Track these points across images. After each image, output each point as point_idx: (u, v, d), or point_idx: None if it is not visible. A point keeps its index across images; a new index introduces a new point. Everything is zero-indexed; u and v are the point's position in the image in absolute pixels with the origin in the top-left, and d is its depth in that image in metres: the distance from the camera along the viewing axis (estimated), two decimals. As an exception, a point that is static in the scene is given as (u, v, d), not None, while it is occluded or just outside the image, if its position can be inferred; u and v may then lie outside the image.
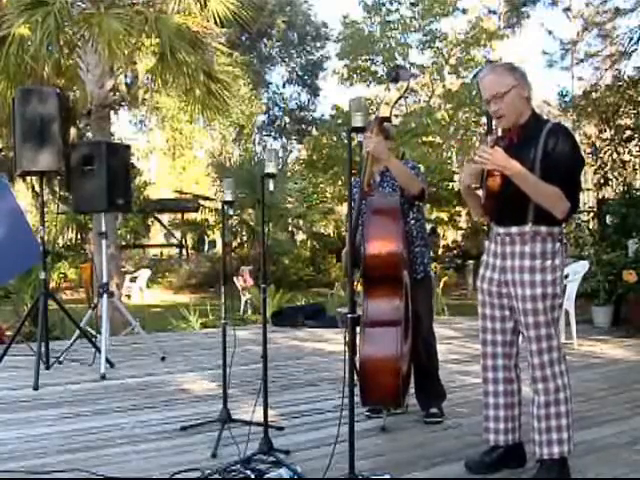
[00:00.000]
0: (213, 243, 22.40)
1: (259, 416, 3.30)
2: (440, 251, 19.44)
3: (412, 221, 3.77)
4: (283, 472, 2.88)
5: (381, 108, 3.29)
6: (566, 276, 6.70)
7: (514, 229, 2.80)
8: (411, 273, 3.66)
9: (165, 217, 24.10)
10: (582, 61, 13.16)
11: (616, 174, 9.96)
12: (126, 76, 10.05)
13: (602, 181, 10.09)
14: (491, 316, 2.94)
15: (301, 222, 17.79)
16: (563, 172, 2.68)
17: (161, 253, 23.72)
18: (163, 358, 5.84)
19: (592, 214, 10.41)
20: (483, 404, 3.04)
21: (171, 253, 23.59)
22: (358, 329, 3.42)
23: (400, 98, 3.28)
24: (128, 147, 6.27)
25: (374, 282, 3.43)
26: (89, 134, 11.71)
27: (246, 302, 10.57)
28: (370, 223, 3.51)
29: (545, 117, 2.92)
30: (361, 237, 3.52)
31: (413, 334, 3.61)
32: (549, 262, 2.76)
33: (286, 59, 26.22)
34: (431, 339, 3.84)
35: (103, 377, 5.04)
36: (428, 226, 16.11)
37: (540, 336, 2.78)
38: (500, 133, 2.92)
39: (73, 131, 12.24)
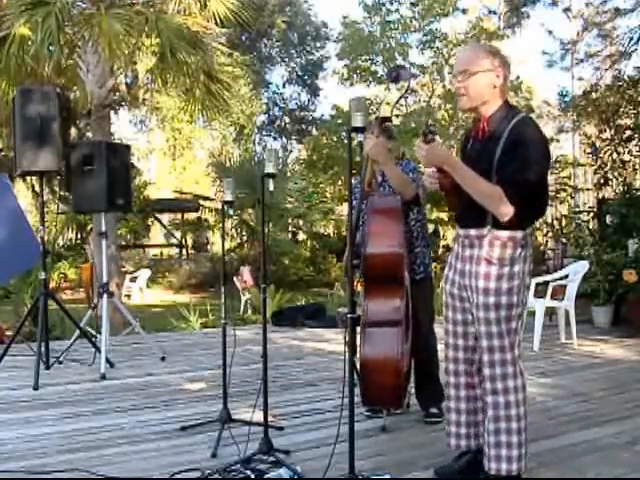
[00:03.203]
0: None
1: (259, 416, 3.30)
2: (440, 251, 19.43)
3: (412, 222, 3.77)
4: (283, 472, 2.88)
5: (382, 108, 3.28)
6: (566, 276, 6.71)
7: (472, 231, 2.68)
8: (411, 274, 3.67)
9: (165, 217, 24.10)
10: (582, 61, 13.14)
11: (616, 174, 9.96)
12: (126, 76, 10.04)
13: (602, 181, 10.08)
14: (453, 319, 2.85)
15: (301, 222, 17.79)
16: (513, 175, 2.52)
17: (161, 253, 23.72)
18: (163, 358, 5.84)
19: (592, 214, 10.40)
20: (445, 408, 2.99)
21: (171, 253, 23.60)
22: (358, 329, 3.44)
23: (401, 98, 3.27)
24: (128, 147, 6.27)
25: (374, 282, 3.43)
26: (89, 134, 11.72)
27: (246, 302, 10.56)
28: (371, 223, 3.50)
29: (516, 109, 2.69)
30: (362, 237, 3.52)
31: (413, 334, 3.61)
32: (506, 269, 2.60)
33: (286, 59, 26.23)
34: (431, 339, 3.84)
35: (103, 377, 5.04)
36: (431, 227, 16.02)
37: (492, 347, 2.66)
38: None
39: (73, 131, 12.25)
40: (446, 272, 2.89)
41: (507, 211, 2.53)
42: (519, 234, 2.62)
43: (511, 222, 2.57)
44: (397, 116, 16.87)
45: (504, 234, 2.60)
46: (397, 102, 3.23)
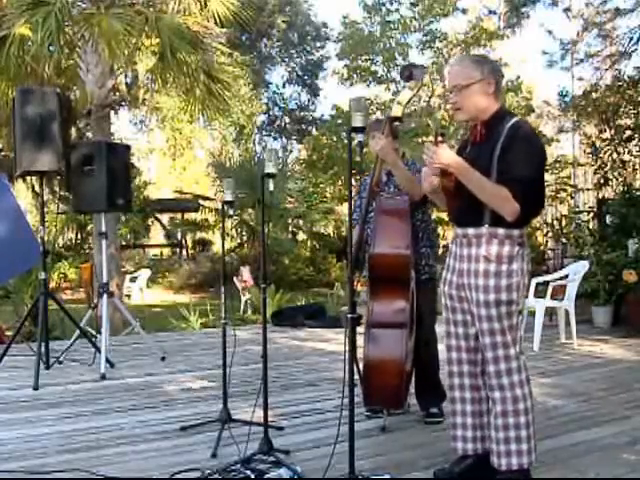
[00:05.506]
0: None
1: (259, 416, 3.30)
2: (440, 251, 19.44)
3: (417, 222, 3.74)
4: (283, 472, 2.88)
5: (393, 107, 3.25)
6: (566, 276, 6.71)
7: (470, 230, 2.72)
8: (416, 274, 3.66)
9: (165, 217, 24.09)
10: (582, 61, 13.12)
11: (616, 174, 9.95)
12: (126, 76, 10.04)
13: (602, 181, 10.07)
14: (454, 321, 2.86)
15: (301, 222, 17.77)
16: (514, 173, 2.59)
17: (161, 253, 23.71)
18: (163, 358, 5.84)
19: (592, 214, 10.39)
20: (450, 411, 2.97)
21: (171, 253, 23.57)
22: (362, 329, 3.43)
23: (413, 97, 3.21)
24: (128, 147, 6.27)
25: (380, 282, 3.42)
26: (89, 134, 11.70)
27: (246, 302, 10.56)
28: (378, 223, 3.49)
29: (512, 113, 2.82)
30: (368, 236, 3.51)
31: (416, 335, 3.61)
32: (505, 266, 2.65)
33: (286, 59, 26.20)
34: (432, 340, 3.84)
35: (103, 377, 5.04)
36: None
37: (496, 343, 2.69)
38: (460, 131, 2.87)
39: (73, 131, 12.24)
40: (444, 274, 2.90)
41: (514, 209, 2.60)
42: (516, 232, 2.68)
43: (508, 220, 2.63)
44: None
45: (501, 232, 2.66)
46: (409, 101, 3.18)
